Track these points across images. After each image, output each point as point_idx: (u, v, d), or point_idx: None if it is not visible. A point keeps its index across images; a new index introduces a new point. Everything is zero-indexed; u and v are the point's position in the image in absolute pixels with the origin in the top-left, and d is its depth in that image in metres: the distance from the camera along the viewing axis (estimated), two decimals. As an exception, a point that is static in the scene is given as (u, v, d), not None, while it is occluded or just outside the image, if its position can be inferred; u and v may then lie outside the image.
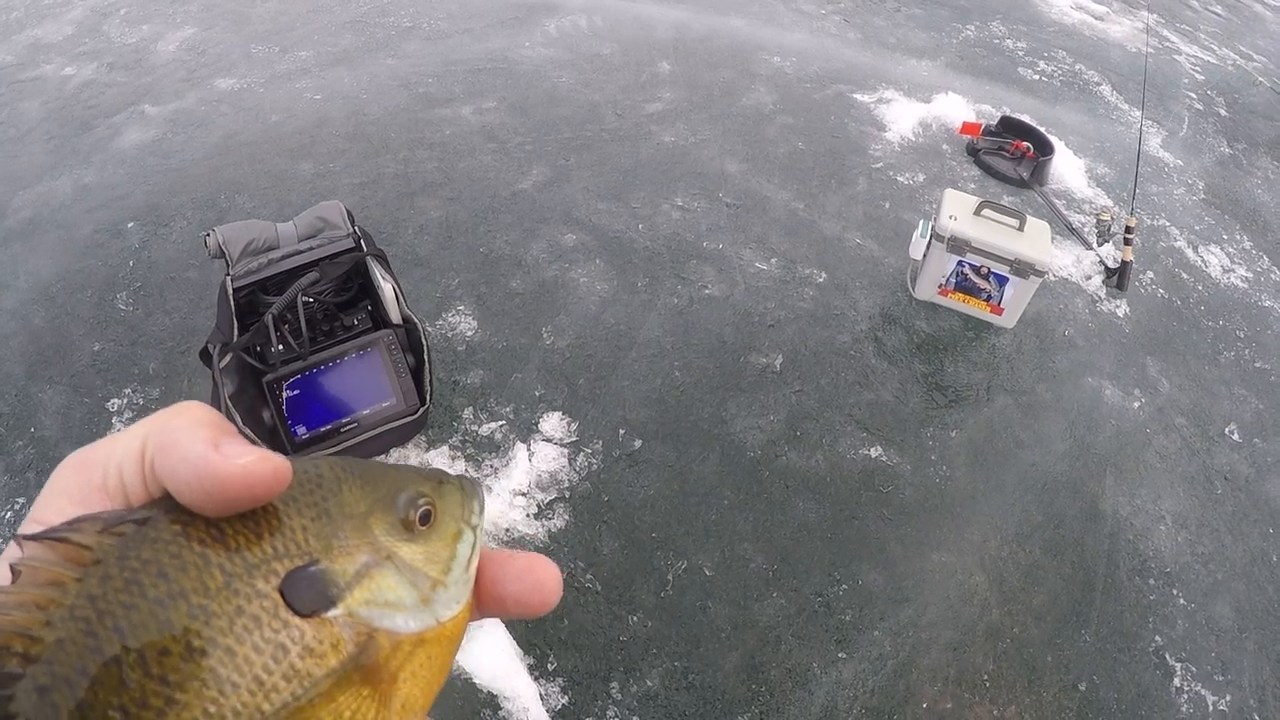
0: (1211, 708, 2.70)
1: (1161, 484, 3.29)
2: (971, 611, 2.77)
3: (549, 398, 3.13)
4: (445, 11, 5.45)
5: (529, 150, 4.30)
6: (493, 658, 2.43)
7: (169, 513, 0.35)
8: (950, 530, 2.96)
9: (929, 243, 3.58)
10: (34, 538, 0.33)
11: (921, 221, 3.65)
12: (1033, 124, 4.91)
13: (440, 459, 2.89)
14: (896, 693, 2.54)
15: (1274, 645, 2.91)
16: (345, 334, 2.83)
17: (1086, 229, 4.37)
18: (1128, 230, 4.05)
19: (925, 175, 4.58)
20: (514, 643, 2.47)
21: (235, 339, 2.58)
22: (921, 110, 5.07)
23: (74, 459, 0.39)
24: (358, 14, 5.36)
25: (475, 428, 3.00)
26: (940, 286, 3.68)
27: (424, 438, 2.94)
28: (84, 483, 0.38)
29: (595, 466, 2.95)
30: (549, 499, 2.84)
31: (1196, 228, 4.73)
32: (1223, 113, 6.12)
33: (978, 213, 3.54)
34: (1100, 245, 4.22)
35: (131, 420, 2.87)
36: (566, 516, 2.81)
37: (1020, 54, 6.20)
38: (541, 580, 0.45)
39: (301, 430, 2.67)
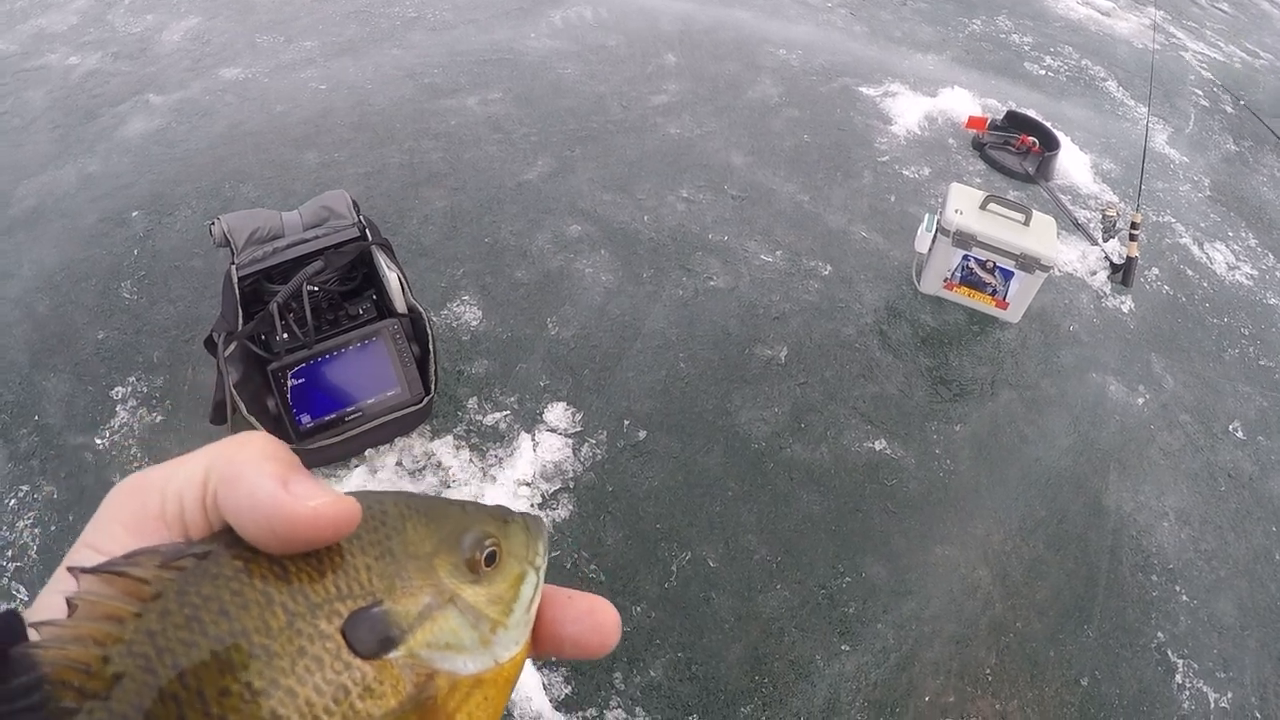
0: (1213, 704, 2.70)
1: (1165, 480, 3.29)
2: (974, 605, 2.77)
3: (554, 388, 3.13)
4: (450, 2, 5.45)
5: (534, 141, 4.29)
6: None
7: (230, 547, 0.35)
8: (954, 524, 2.96)
9: (934, 236, 3.57)
10: (91, 571, 0.32)
11: (927, 215, 3.64)
12: (1039, 119, 4.90)
13: (444, 448, 2.89)
14: (899, 685, 2.54)
15: (1276, 643, 2.91)
16: (350, 323, 2.83)
17: (1092, 224, 4.36)
18: (1133, 226, 4.04)
19: (931, 169, 4.58)
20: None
21: (240, 327, 2.58)
22: (927, 104, 5.07)
23: (131, 483, 0.38)
24: (362, 4, 5.35)
25: (480, 417, 3.00)
26: (945, 280, 3.68)
27: (428, 427, 2.94)
28: (140, 509, 0.37)
29: (600, 457, 2.95)
30: (553, 489, 2.84)
31: (1202, 225, 4.72)
32: (1228, 109, 6.11)
33: (983, 207, 3.54)
34: (1106, 241, 4.21)
35: (136, 409, 2.89)
36: (571, 507, 2.81)
37: (1026, 49, 6.19)
38: (601, 623, 0.44)
39: (306, 419, 2.67)
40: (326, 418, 2.70)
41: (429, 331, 2.79)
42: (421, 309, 2.81)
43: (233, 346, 2.54)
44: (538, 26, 5.28)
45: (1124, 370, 3.67)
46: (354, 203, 2.87)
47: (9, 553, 2.54)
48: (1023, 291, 3.58)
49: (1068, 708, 2.59)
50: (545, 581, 0.45)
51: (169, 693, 0.31)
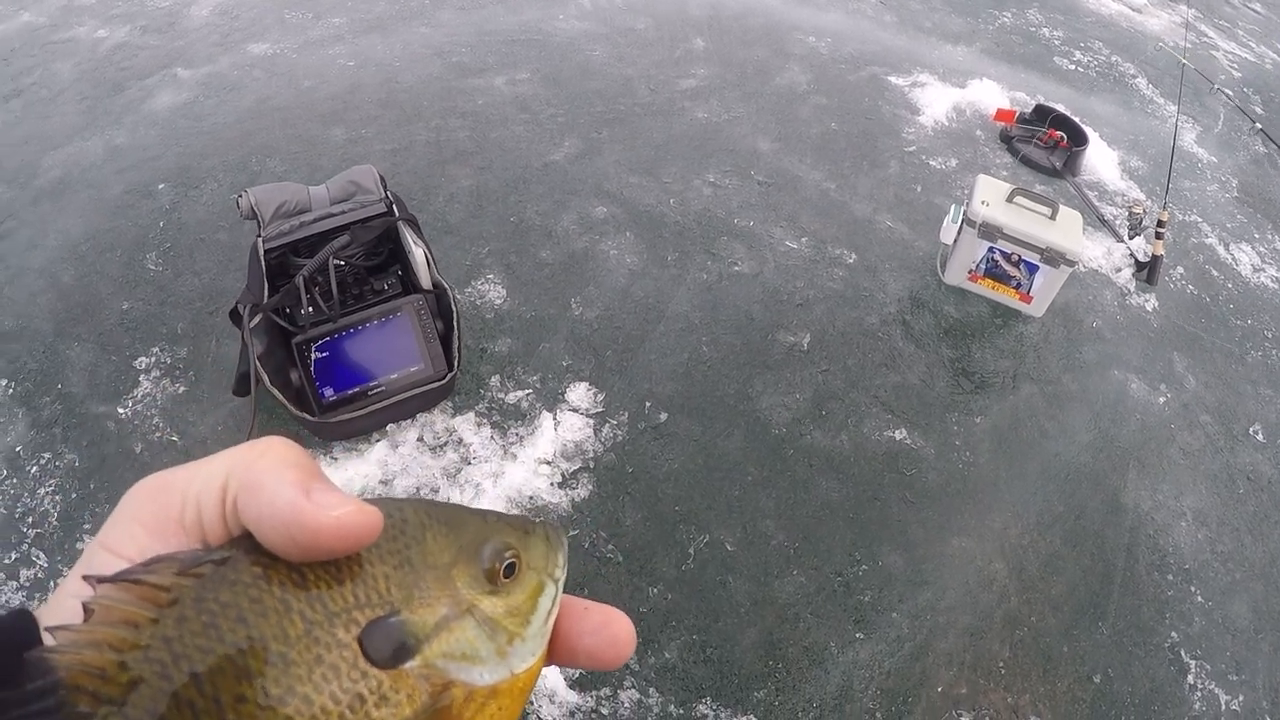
0: (1224, 706, 2.70)
1: (1184, 480, 3.28)
2: (990, 598, 2.77)
3: (576, 368, 3.14)
4: (480, -19, 5.44)
5: (561, 122, 4.29)
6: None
7: (249, 554, 0.35)
8: (972, 516, 2.96)
9: (960, 228, 3.56)
10: (108, 580, 0.33)
11: (953, 206, 3.63)
12: (1067, 113, 4.87)
13: (466, 425, 2.90)
14: (912, 675, 2.55)
15: (1289, 647, 2.92)
16: (375, 298, 2.84)
17: (1118, 221, 4.34)
18: (1159, 224, 4.02)
19: (958, 160, 4.56)
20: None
21: (265, 300, 2.59)
22: (956, 95, 5.04)
23: (150, 483, 0.38)
24: (392, -19, 5.35)
25: (502, 395, 3.01)
26: (970, 272, 3.67)
27: (450, 404, 2.96)
28: (159, 511, 0.37)
29: (620, 438, 2.96)
30: (573, 468, 2.85)
31: (1228, 225, 4.70)
32: (1259, 110, 6.06)
33: (1010, 199, 3.52)
34: (1131, 238, 4.19)
35: (159, 379, 2.90)
36: (590, 486, 2.82)
37: (1056, 43, 6.15)
38: (616, 635, 0.44)
39: (329, 392, 2.69)
40: (349, 391, 2.71)
41: (453, 308, 2.80)
42: (446, 285, 2.82)
43: (258, 319, 2.55)
44: (566, 8, 5.27)
45: (1146, 368, 3.65)
46: (381, 178, 2.87)
47: (30, 519, 2.56)
48: (1047, 286, 3.56)
49: (1079, 704, 2.59)
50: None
51: (185, 699, 0.31)
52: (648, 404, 3.07)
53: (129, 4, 4.92)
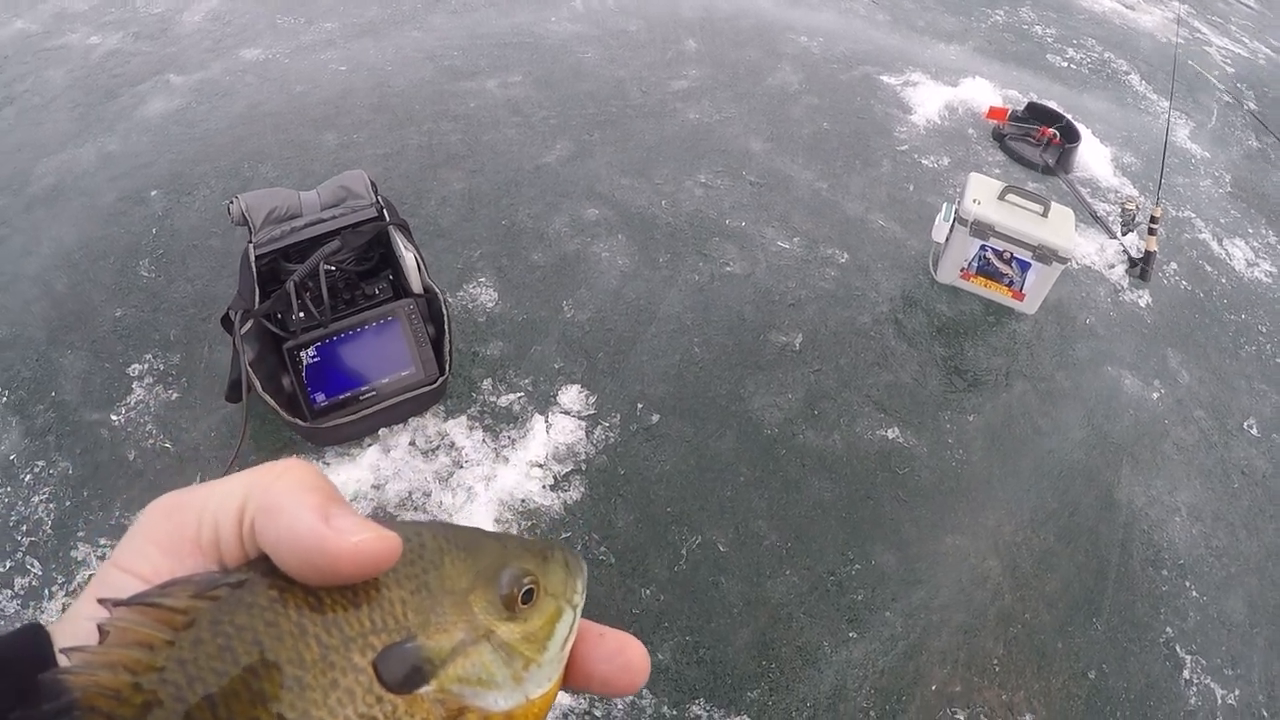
0: (1220, 701, 2.69)
1: (1178, 475, 3.28)
2: (984, 596, 2.77)
3: (568, 370, 3.14)
4: (472, -16, 5.45)
5: (553, 125, 4.29)
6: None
7: (266, 576, 0.35)
8: (965, 514, 2.96)
9: (952, 226, 3.56)
10: (123, 603, 0.32)
11: (945, 205, 3.63)
12: (1060, 111, 4.87)
13: (458, 429, 2.90)
14: (906, 674, 2.54)
15: (1285, 641, 2.91)
16: (366, 303, 2.84)
17: (1111, 218, 4.34)
18: (1153, 220, 4.02)
19: (950, 159, 4.56)
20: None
21: (257, 305, 2.59)
22: (948, 94, 5.04)
23: (165, 502, 0.38)
24: (384, -15, 5.35)
25: (494, 399, 3.01)
26: (962, 270, 3.67)
27: (442, 408, 2.95)
28: (175, 531, 0.37)
29: (612, 440, 2.96)
30: (565, 471, 2.85)
31: (1222, 220, 4.70)
32: (1252, 106, 6.07)
33: (1002, 197, 3.52)
34: (1124, 234, 4.19)
35: (152, 386, 2.90)
36: (582, 489, 2.82)
37: (1049, 40, 6.15)
38: (631, 662, 0.44)
39: (320, 397, 2.69)
40: (341, 396, 2.71)
41: (444, 312, 2.80)
42: (437, 290, 2.82)
43: (249, 324, 2.55)
44: (559, 10, 5.27)
45: (1139, 365, 3.65)
46: (372, 183, 2.87)
47: (24, 528, 2.55)
48: (1039, 283, 3.56)
49: (1074, 700, 2.59)
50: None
51: None
52: (639, 405, 3.06)
53: (121, 10, 4.92)
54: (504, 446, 2.88)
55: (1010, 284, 3.62)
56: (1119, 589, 2.88)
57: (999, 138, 4.76)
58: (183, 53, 4.58)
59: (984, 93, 5.09)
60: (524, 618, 0.41)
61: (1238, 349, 3.90)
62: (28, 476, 2.67)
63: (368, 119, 4.19)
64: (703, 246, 3.71)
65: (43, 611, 2.37)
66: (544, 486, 2.80)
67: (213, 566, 0.36)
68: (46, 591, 2.41)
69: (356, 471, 2.74)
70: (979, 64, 5.53)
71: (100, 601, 0.33)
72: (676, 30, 5.25)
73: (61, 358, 2.99)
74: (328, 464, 2.74)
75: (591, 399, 3.06)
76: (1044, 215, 3.48)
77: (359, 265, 2.89)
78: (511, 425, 2.95)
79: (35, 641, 0.34)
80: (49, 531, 2.55)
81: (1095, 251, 4.15)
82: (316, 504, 0.35)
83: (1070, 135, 4.70)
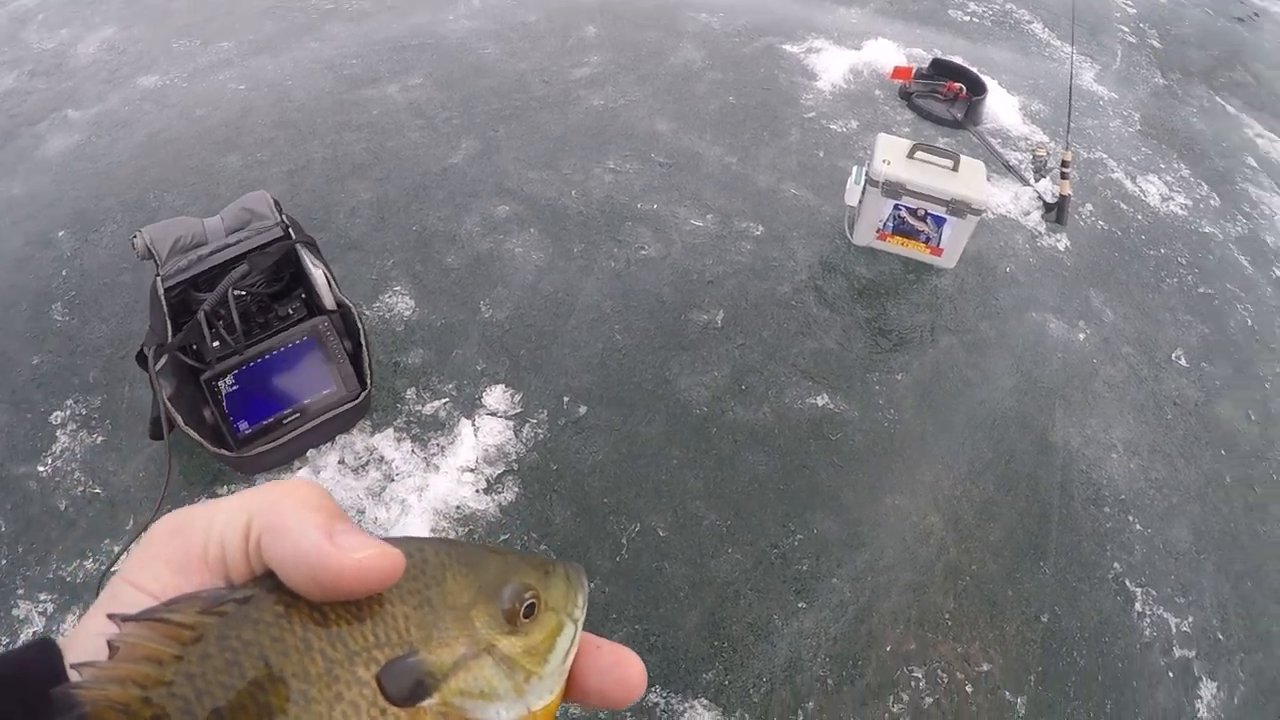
0: (1175, 629, 2.71)
1: (1111, 413, 3.29)
2: (929, 552, 2.75)
3: (491, 371, 3.08)
4: (365, -10, 5.36)
5: (457, 124, 4.22)
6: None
7: (271, 592, 0.36)
8: (902, 473, 2.95)
9: (864, 188, 3.55)
10: (132, 619, 0.33)
11: (855, 168, 3.62)
12: (965, 65, 4.89)
13: (385, 442, 2.83)
14: (859, 638, 2.53)
15: (1232, 565, 2.94)
16: (281, 324, 2.78)
17: (1023, 165, 4.37)
18: (1064, 164, 4.05)
19: (859, 122, 4.55)
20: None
21: (169, 339, 2.52)
22: (852, 57, 5.04)
23: (172, 520, 0.39)
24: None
25: (419, 407, 2.95)
26: (878, 231, 3.66)
27: (368, 422, 2.89)
28: (182, 548, 0.38)
29: (541, 436, 2.91)
30: (497, 473, 2.80)
31: (1134, 159, 4.75)
32: (1155, 44, 6.14)
33: (911, 155, 3.52)
34: (1037, 181, 4.22)
35: (76, 432, 2.81)
36: (516, 489, 2.76)
37: (950, -4, 6.18)
38: (628, 675, 0.45)
39: (244, 425, 2.62)
40: (265, 422, 2.65)
41: (360, 325, 2.76)
42: (350, 303, 2.77)
43: (164, 359, 2.48)
44: (456, 8, 5.19)
45: (1063, 307, 3.67)
46: (275, 202, 2.81)
47: (-42, 590, 2.46)
48: (956, 237, 3.56)
49: (1030, 645, 2.59)
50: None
51: None
52: (566, 399, 3.01)
53: (14, 48, 4.75)
54: (433, 455, 2.82)
55: (927, 240, 3.61)
56: (1063, 531, 2.88)
57: (906, 96, 4.77)
58: (79, 86, 4.44)
59: (888, 53, 5.10)
60: (525, 631, 0.42)
61: (1159, 283, 3.93)
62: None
63: (270, 136, 4.09)
64: (616, 233, 3.67)
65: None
66: (477, 491, 2.74)
67: (219, 583, 0.38)
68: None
69: (284, 496, 2.66)
70: (881, 25, 5.53)
71: (110, 617, 0.33)
72: (576, 17, 5.19)
73: (-21, 413, 2.89)
74: (249, 491, 2.66)
75: (517, 397, 3.00)
76: (954, 169, 3.48)
77: (270, 287, 2.82)
78: (439, 432, 2.89)
79: (46, 656, 0.35)
80: (-18, 592, 2.46)
81: (1010, 200, 4.16)
82: (321, 522, 0.37)
83: (976, 88, 4.72)
